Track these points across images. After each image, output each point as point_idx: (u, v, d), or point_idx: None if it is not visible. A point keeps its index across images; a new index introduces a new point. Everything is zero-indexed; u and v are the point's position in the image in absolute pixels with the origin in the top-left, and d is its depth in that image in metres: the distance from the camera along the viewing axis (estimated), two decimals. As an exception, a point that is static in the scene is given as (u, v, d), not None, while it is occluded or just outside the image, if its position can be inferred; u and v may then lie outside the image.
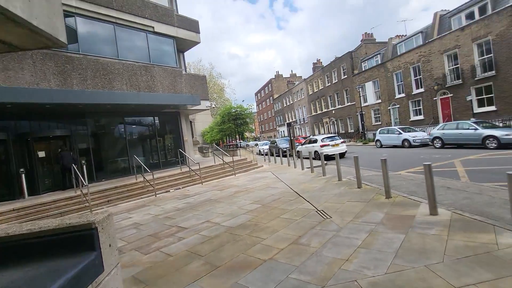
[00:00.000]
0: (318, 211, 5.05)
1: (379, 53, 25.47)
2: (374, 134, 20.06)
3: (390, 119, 23.37)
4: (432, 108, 19.15)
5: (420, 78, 19.94)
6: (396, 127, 17.40)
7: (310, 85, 38.11)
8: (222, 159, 12.25)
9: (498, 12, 14.48)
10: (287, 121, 44.52)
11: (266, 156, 17.37)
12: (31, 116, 9.44)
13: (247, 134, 21.56)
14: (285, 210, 5.46)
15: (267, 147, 21.91)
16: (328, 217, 4.66)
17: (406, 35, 24.54)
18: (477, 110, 16.09)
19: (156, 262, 3.74)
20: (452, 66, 17.45)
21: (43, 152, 9.84)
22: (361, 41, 30.18)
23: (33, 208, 7.67)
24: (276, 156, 16.41)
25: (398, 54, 22.27)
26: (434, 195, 4.11)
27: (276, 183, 8.64)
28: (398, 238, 3.45)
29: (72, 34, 9.38)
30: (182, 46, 13.34)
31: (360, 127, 27.19)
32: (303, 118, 41.63)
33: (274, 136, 53.95)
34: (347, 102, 29.64)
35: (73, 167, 8.64)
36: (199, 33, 13.11)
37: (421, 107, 20.30)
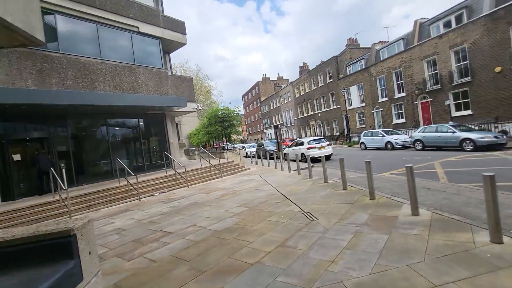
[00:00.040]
0: (305, 213, 5.08)
1: (363, 58, 26.20)
2: (359, 137, 20.54)
3: (374, 122, 24.02)
4: (413, 112, 19.87)
5: (402, 83, 20.66)
6: (379, 130, 17.91)
7: (296, 88, 38.59)
8: (209, 162, 12.13)
9: (473, 22, 15.28)
10: (274, 124, 44.85)
11: (253, 159, 17.37)
12: (6, 117, 8.96)
13: (234, 137, 21.46)
14: (272, 212, 5.45)
15: (254, 149, 21.91)
16: (315, 219, 4.70)
17: (388, 41, 25.40)
18: (454, 114, 16.85)
19: (140, 269, 3.62)
20: (432, 71, 18.21)
21: (19, 155, 9.35)
22: (346, 46, 30.95)
23: (7, 215, 7.25)
24: (263, 158, 16.44)
25: (381, 59, 22.99)
26: (415, 196, 4.24)
27: (263, 186, 8.64)
28: (382, 239, 3.53)
29: (51, 32, 9.02)
30: (168, 47, 13.15)
31: (346, 130, 27.78)
32: (290, 121, 42.04)
33: (262, 138, 54.12)
34: (333, 105, 30.22)
35: (51, 171, 8.27)
36: (185, 34, 12.98)
37: (403, 111, 21.02)
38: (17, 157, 9.27)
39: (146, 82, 11.12)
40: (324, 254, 3.33)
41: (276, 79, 58.22)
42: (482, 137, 11.34)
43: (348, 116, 27.03)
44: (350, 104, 26.67)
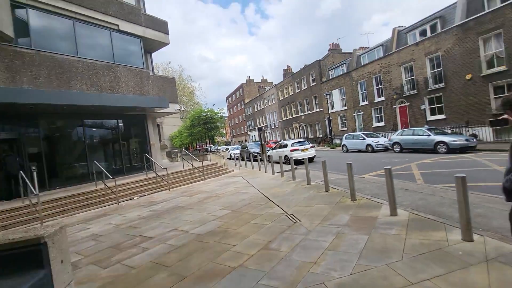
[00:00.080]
0: (288, 215, 5.10)
1: (345, 63, 26.96)
2: (341, 139, 21.04)
3: (355, 125, 24.73)
4: (392, 115, 20.66)
5: (381, 87, 21.44)
6: (360, 133, 18.44)
7: (280, 91, 38.99)
8: (192, 164, 11.93)
9: (446, 31, 16.18)
10: (258, 126, 44.97)
11: (237, 161, 17.31)
12: (-30, 116, 8.34)
13: (217, 139, 21.22)
14: (255, 215, 5.43)
15: (238, 151, 21.83)
16: (298, 220, 4.74)
17: (368, 47, 26.31)
18: (430, 118, 17.70)
19: (117, 276, 3.47)
20: (409, 77, 19.05)
21: (-16, 157, 8.72)
22: (328, 50, 31.70)
23: (-30, 222, 6.72)
24: (247, 160, 16.42)
25: (362, 64, 23.76)
26: (394, 197, 4.39)
27: (246, 188, 8.60)
28: (362, 239, 3.61)
29: (22, 27, 8.52)
30: (150, 46, 12.84)
31: (328, 132, 28.38)
32: (274, 123, 42.36)
33: (245, 140, 54.08)
34: (316, 108, 30.80)
35: (21, 174, 7.77)
36: (168, 34, 12.74)
37: (382, 114, 21.80)
38: (-18, 159, 8.64)
39: (126, 82, 10.77)
40: (306, 255, 3.35)
41: (260, 81, 58.55)
42: (454, 140, 11.98)
43: (331, 119, 27.66)
44: (333, 107, 27.30)
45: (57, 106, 9.13)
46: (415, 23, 19.65)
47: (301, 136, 33.76)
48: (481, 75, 14.46)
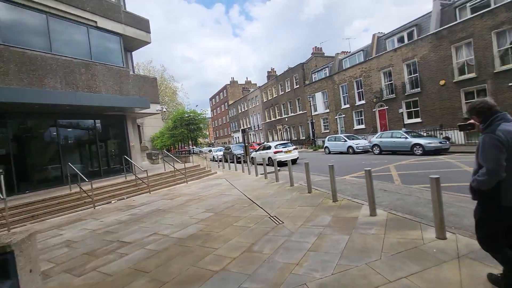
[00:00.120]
0: (271, 217, 5.10)
1: (327, 66, 27.58)
2: (323, 141, 21.46)
3: (337, 128, 25.31)
4: (372, 118, 21.36)
5: (362, 91, 22.13)
6: (342, 135, 18.91)
7: (264, 93, 39.21)
8: (173, 166, 11.66)
9: (422, 39, 17.00)
10: (242, 128, 44.93)
11: (220, 163, 17.15)
12: None
13: (200, 140, 20.92)
14: (238, 217, 5.39)
15: (221, 153, 21.65)
16: (281, 222, 4.75)
17: (350, 51, 27.11)
18: (407, 121, 18.48)
19: (92, 285, 3.30)
20: (388, 82, 19.79)
21: None
22: (311, 54, 32.30)
23: None
24: (231, 162, 16.32)
25: (344, 68, 24.42)
26: (373, 198, 4.51)
27: (230, 190, 8.53)
28: (343, 239, 3.68)
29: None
30: (131, 45, 12.46)
31: (311, 135, 28.86)
32: (258, 125, 42.48)
33: (229, 142, 53.81)
34: (299, 111, 31.24)
35: (-13, 177, 7.22)
36: (149, 32, 12.42)
37: (363, 117, 22.48)
38: None
39: (104, 81, 10.36)
40: (289, 257, 3.36)
41: (244, 83, 58.54)
42: (429, 143, 12.58)
43: (314, 121, 28.14)
44: (315, 110, 27.81)
45: (28, 105, 8.60)
46: (394, 30, 20.50)
47: (285, 138, 34.09)
48: (454, 81, 15.32)
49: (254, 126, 43.75)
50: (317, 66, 30.50)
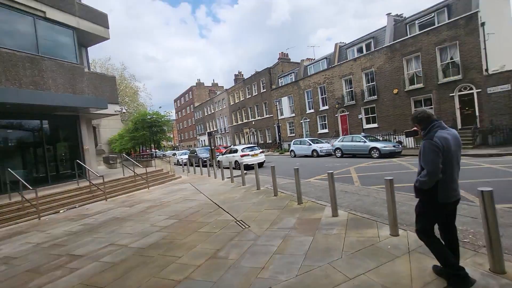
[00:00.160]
0: (237, 221, 5.05)
1: (293, 72, 28.48)
2: (289, 145, 22.01)
3: (302, 132, 26.19)
4: (334, 123, 22.52)
5: (325, 97, 23.23)
6: (307, 139, 19.59)
7: (231, 96, 39.09)
8: (133, 171, 10.95)
9: (378, 50, 18.46)
10: (208, 130, 44.18)
11: (185, 167, 16.61)
12: None
13: (164, 143, 19.95)
14: (203, 223, 5.23)
15: (186, 156, 21.01)
16: (247, 226, 4.71)
17: (314, 58, 28.33)
18: (365, 126, 19.82)
19: (33, 306, 2.91)
20: (349, 89, 21.07)
21: None
22: (278, 59, 33.08)
23: None
24: (196, 166, 15.89)
25: (308, 74, 25.43)
26: (335, 199, 4.71)
27: (195, 195, 8.28)
28: (308, 241, 3.76)
29: None
30: (86, 40, 11.50)
31: (277, 138, 29.44)
32: (225, 128, 42.14)
33: (194, 145, 52.51)
34: (266, 114, 31.70)
35: None
36: (108, 28, 11.58)
37: (326, 122, 23.58)
38: None
39: (54, 78, 9.39)
40: (255, 261, 3.34)
41: (211, 85, 57.74)
42: (385, 147, 13.62)
43: (280, 125, 28.77)
44: (282, 114, 28.47)
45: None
46: (354, 41, 21.95)
47: (252, 141, 34.29)
48: (405, 90, 16.87)
49: (220, 129, 43.31)
50: (283, 71, 31.32)
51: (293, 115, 27.25)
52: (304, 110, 25.76)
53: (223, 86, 56.62)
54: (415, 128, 2.55)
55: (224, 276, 3.06)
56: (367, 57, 19.23)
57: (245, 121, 36.08)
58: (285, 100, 27.90)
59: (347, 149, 15.52)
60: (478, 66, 13.56)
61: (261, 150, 15.78)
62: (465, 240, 3.29)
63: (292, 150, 19.89)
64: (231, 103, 39.11)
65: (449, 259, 2.33)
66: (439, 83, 15.13)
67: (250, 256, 3.51)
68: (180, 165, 20.45)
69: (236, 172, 11.28)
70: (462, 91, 14.40)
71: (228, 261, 3.44)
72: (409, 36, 16.76)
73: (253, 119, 34.17)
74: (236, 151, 15.23)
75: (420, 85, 16.07)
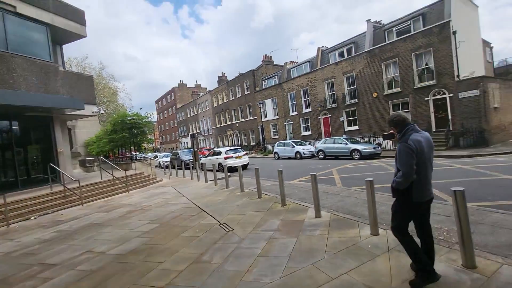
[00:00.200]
0: (221, 225, 4.99)
1: (277, 75, 28.76)
2: (273, 147, 22.16)
3: (286, 134, 26.45)
4: (317, 125, 22.94)
5: (308, 99, 23.63)
6: (290, 141, 19.82)
7: (215, 98, 38.80)
8: (112, 174, 10.54)
9: (359, 55, 19.07)
10: (191, 132, 43.50)
11: (167, 169, 16.25)
12: None
13: (145, 145, 19.32)
14: (186, 227, 5.13)
15: (168, 159, 20.59)
16: (231, 229, 4.67)
17: (298, 62, 28.77)
18: (347, 128, 20.36)
19: (-1, 322, 2.70)
20: (331, 92, 21.57)
21: None
22: (262, 61, 33.26)
23: None
24: (178, 169, 15.58)
25: (292, 77, 25.77)
26: (318, 200, 4.78)
27: (177, 199, 8.10)
28: (291, 242, 3.79)
29: None
30: (61, 37, 10.94)
31: (261, 140, 29.53)
32: (208, 130, 41.70)
33: (177, 147, 51.50)
34: (250, 116, 31.74)
35: None
36: (84, 25, 11.09)
37: (309, 124, 23.97)
38: None
39: (25, 76, 8.85)
40: (239, 264, 3.32)
41: (194, 86, 56.97)
42: (365, 148, 14.05)
43: (264, 127, 28.90)
44: (266, 116, 28.62)
45: None
46: (335, 45, 22.54)
47: (235, 143, 34.17)
48: (384, 94, 17.53)
49: (204, 131, 42.81)
50: (267, 73, 31.54)
51: (277, 117, 27.48)
52: (287, 113, 26.05)
53: (206, 88, 56.08)
54: (391, 131, 2.66)
55: (208, 281, 3.01)
56: (348, 61, 19.81)
57: (228, 123, 35.91)
58: (268, 103, 28.10)
59: (329, 151, 15.85)
60: (450, 72, 14.37)
61: (245, 152, 15.75)
62: (439, 237, 3.45)
63: (276, 152, 20.02)
64: (215, 105, 38.81)
65: (419, 255, 2.46)
66: (415, 87, 15.86)
67: (234, 260, 3.47)
68: (162, 168, 19.95)
69: (220, 175, 11.18)
70: (436, 95, 15.19)
71: (211, 265, 3.39)
72: (387, 42, 17.46)
73: (237, 121, 34.09)
74: (219, 153, 15.10)
75: (398, 89, 16.77)
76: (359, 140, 16.94)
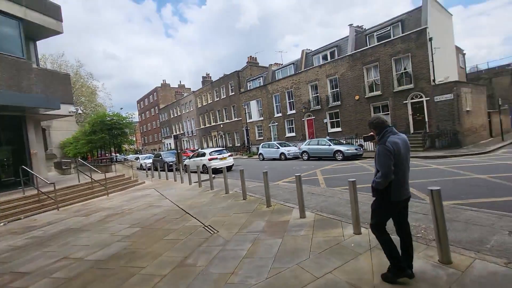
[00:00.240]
0: (206, 227, 4.92)
1: (262, 76, 28.87)
2: (258, 148, 22.18)
3: (271, 135, 26.58)
4: (301, 127, 23.24)
5: (293, 101, 23.91)
6: (275, 142, 19.93)
7: (199, 98, 38.33)
8: (90, 177, 10.11)
9: (341, 58, 19.55)
10: (175, 133, 42.71)
11: (149, 171, 15.83)
12: None
13: (126, 147, 18.65)
14: (169, 230, 5.01)
15: (150, 161, 20.06)
16: (215, 231, 4.61)
17: (282, 64, 29.02)
18: (330, 130, 20.78)
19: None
20: (315, 94, 21.94)
21: None
22: (247, 63, 33.28)
23: None
24: (161, 170, 15.23)
25: (276, 79, 25.98)
26: (303, 201, 4.84)
27: (160, 201, 7.91)
28: (276, 243, 3.80)
29: None
30: (35, 33, 10.37)
31: (246, 141, 29.49)
32: (192, 131, 41.09)
33: (159, 148, 50.33)
34: (234, 117, 31.63)
35: None
36: (61, 21, 10.58)
37: (293, 126, 24.24)
38: None
39: (-5, 73, 8.33)
40: (224, 267, 3.28)
41: (177, 86, 56.01)
42: (348, 150, 14.40)
43: (248, 128, 28.89)
44: (250, 117, 28.63)
45: None
46: (319, 48, 22.97)
47: (220, 144, 33.91)
48: (365, 96, 18.07)
49: (187, 132, 42.15)
50: (252, 75, 31.59)
51: (262, 118, 27.57)
52: (272, 114, 26.21)
53: (190, 88, 55.34)
54: (371, 133, 2.76)
55: (192, 284, 2.96)
56: (331, 64, 20.26)
57: (213, 124, 35.59)
58: (253, 104, 28.15)
59: (313, 152, 16.10)
60: (427, 76, 15.07)
61: (229, 154, 15.66)
62: (418, 235, 3.59)
63: (260, 154, 20.07)
64: (199, 106, 38.33)
65: (393, 252, 2.57)
66: (394, 91, 16.49)
67: (219, 262, 3.43)
68: (144, 169, 19.41)
69: (204, 176, 11.03)
70: (414, 98, 15.87)
71: (196, 268, 3.33)
72: (368, 46, 18.04)
73: (221, 122, 33.85)
74: (204, 154, 14.92)
75: (379, 92, 17.35)
76: (342, 141, 17.34)
